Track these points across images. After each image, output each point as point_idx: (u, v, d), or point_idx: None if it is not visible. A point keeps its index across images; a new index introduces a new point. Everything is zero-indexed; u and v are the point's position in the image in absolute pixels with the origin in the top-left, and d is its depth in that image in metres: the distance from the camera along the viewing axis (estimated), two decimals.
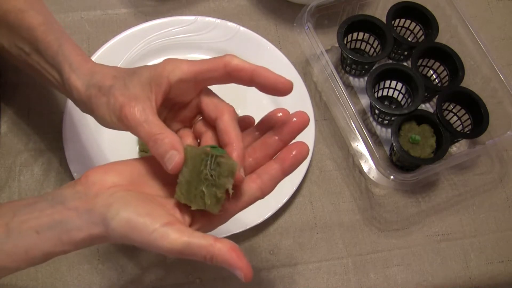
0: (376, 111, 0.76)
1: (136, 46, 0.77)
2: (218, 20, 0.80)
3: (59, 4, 0.81)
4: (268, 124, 0.52)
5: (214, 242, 0.43)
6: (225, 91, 0.79)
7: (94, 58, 0.75)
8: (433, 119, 0.72)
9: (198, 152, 0.45)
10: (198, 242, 0.43)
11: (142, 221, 0.43)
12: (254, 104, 0.77)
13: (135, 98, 0.48)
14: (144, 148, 0.71)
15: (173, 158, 0.45)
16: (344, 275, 0.69)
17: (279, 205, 0.69)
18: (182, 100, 0.51)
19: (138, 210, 0.43)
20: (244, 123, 0.53)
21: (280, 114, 0.51)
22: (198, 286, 0.67)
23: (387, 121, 0.77)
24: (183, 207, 0.47)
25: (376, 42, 0.79)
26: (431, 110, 0.78)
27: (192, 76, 0.49)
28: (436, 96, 0.77)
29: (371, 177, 0.70)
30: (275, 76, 0.49)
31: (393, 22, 0.79)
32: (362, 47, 0.82)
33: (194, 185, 0.45)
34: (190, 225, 0.47)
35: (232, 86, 0.80)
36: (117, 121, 0.49)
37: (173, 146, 0.46)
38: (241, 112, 0.72)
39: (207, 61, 0.49)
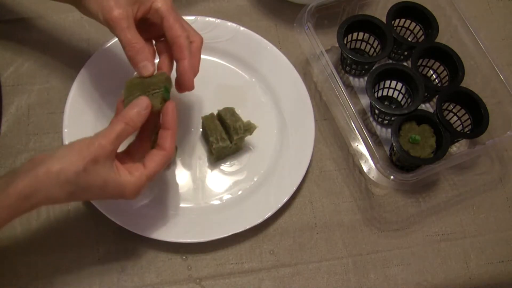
0: (376, 111, 0.76)
1: None
2: (218, 20, 0.80)
3: (59, 4, 0.81)
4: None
5: None
6: (226, 91, 0.80)
7: (94, 58, 0.75)
8: (433, 119, 0.72)
9: (160, 79, 0.60)
10: None
11: None
12: (253, 102, 0.77)
13: (123, 7, 0.58)
14: None
15: (148, 67, 0.59)
16: (344, 275, 0.69)
17: (279, 205, 0.69)
18: (155, 21, 0.62)
19: None
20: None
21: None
22: (198, 285, 0.67)
23: (387, 121, 0.77)
24: None
25: (376, 42, 0.79)
26: (431, 110, 0.78)
27: (166, 18, 0.60)
28: (436, 96, 0.77)
29: (371, 177, 0.70)
30: (189, 78, 0.61)
31: (393, 22, 0.79)
32: (362, 47, 0.82)
33: (138, 93, 0.58)
34: None
35: (233, 86, 0.80)
36: (103, 20, 0.59)
37: (148, 58, 0.59)
38: (241, 112, 0.72)
39: (184, 26, 0.61)
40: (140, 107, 0.57)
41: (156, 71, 0.61)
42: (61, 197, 0.52)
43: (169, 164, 0.71)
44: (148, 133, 0.61)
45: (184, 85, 0.62)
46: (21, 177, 0.51)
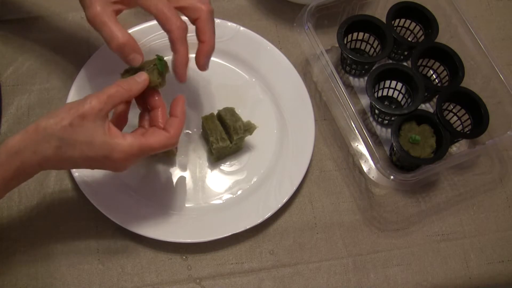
0: (376, 111, 0.76)
1: None
2: (218, 20, 0.80)
3: (59, 4, 0.81)
4: None
5: None
6: (226, 91, 0.80)
7: (94, 57, 0.75)
8: (433, 119, 0.72)
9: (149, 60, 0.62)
10: None
11: None
12: (253, 102, 0.77)
13: (102, 7, 0.59)
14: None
15: (137, 58, 0.60)
16: (344, 275, 0.69)
17: (279, 205, 0.69)
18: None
19: None
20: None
21: None
22: (198, 285, 0.67)
23: (387, 121, 0.77)
24: None
25: (376, 42, 0.79)
26: (431, 110, 0.78)
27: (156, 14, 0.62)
28: (436, 96, 0.77)
29: (371, 177, 0.70)
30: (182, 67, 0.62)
31: (393, 22, 0.79)
32: (362, 47, 0.82)
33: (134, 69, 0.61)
34: None
35: (233, 86, 0.80)
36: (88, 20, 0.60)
37: (135, 50, 0.60)
38: (241, 112, 0.72)
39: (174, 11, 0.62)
40: (137, 76, 0.59)
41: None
42: (48, 153, 0.53)
43: (172, 153, 0.72)
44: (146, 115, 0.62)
45: (176, 76, 0.63)
46: (13, 136, 0.53)
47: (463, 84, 0.75)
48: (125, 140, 0.55)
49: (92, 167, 0.57)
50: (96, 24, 0.60)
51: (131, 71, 0.62)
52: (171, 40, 0.62)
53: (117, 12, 0.62)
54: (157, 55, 0.62)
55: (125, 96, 0.57)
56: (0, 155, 0.52)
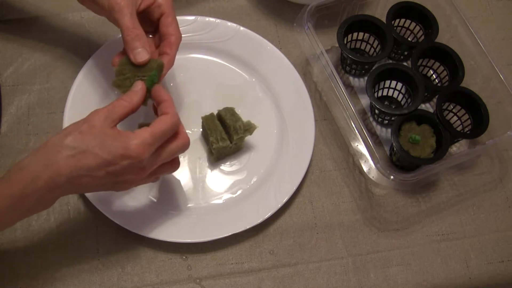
0: (376, 111, 0.76)
1: None
2: (218, 20, 0.80)
3: (59, 4, 0.81)
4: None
5: None
6: (226, 91, 0.80)
7: (94, 57, 0.75)
8: (433, 119, 0.72)
9: (151, 66, 0.62)
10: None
11: None
12: (253, 102, 0.78)
13: None
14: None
15: (143, 54, 0.61)
16: (344, 275, 0.69)
17: (279, 205, 0.69)
18: (151, 16, 0.65)
19: None
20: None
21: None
22: (198, 285, 0.67)
23: (387, 121, 0.77)
24: None
25: (376, 42, 0.79)
26: (431, 110, 0.78)
27: (166, 14, 0.65)
28: (436, 96, 0.77)
29: (371, 177, 0.70)
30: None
31: (393, 22, 0.79)
32: (362, 47, 0.82)
33: (128, 75, 0.62)
34: None
35: (233, 86, 0.80)
36: (108, 5, 0.61)
37: (144, 46, 0.61)
38: (241, 111, 0.72)
39: (176, 23, 0.65)
40: (134, 87, 0.60)
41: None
42: (60, 163, 0.52)
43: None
44: None
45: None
46: (26, 155, 0.54)
47: (463, 84, 0.75)
48: (136, 134, 0.55)
49: (110, 179, 0.55)
50: (115, 11, 0.61)
51: (130, 64, 0.62)
52: (169, 43, 0.64)
53: (137, 6, 0.63)
54: (155, 70, 0.61)
55: (129, 107, 0.58)
56: (11, 172, 0.52)
